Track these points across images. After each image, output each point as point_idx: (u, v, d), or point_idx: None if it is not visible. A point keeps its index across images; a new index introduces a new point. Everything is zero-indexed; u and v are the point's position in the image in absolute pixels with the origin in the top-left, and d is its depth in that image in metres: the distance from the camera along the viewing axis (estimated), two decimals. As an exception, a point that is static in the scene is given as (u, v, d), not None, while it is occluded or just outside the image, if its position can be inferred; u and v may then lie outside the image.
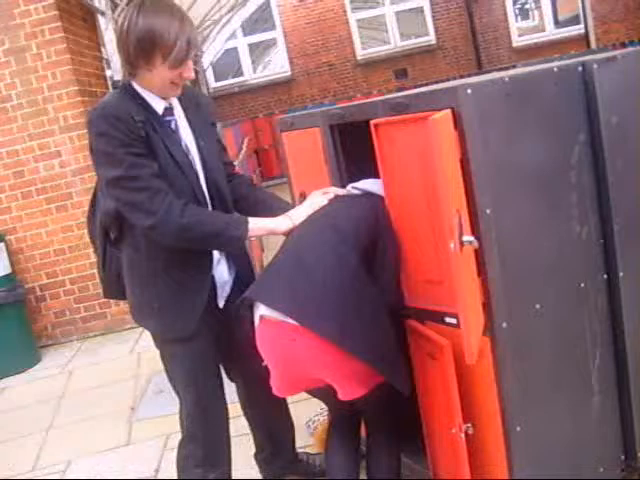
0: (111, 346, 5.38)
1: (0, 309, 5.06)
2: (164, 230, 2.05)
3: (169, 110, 2.17)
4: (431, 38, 15.00)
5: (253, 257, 5.65)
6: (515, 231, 1.91)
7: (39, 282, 5.63)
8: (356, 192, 2.24)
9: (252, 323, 2.04)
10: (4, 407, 4.62)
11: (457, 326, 1.98)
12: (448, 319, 2.02)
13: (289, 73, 14.96)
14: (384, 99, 2.07)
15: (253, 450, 2.78)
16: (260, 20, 15.13)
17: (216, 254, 2.27)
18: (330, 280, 1.92)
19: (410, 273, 2.09)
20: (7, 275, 5.14)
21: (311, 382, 2.07)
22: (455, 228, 1.60)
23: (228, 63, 15.12)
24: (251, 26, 15.10)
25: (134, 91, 2.12)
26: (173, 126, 2.17)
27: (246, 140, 9.40)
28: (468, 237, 1.64)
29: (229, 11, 13.17)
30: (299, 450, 2.87)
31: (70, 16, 5.57)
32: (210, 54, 14.84)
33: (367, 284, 1.98)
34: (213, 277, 2.27)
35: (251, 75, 15.11)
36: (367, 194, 2.21)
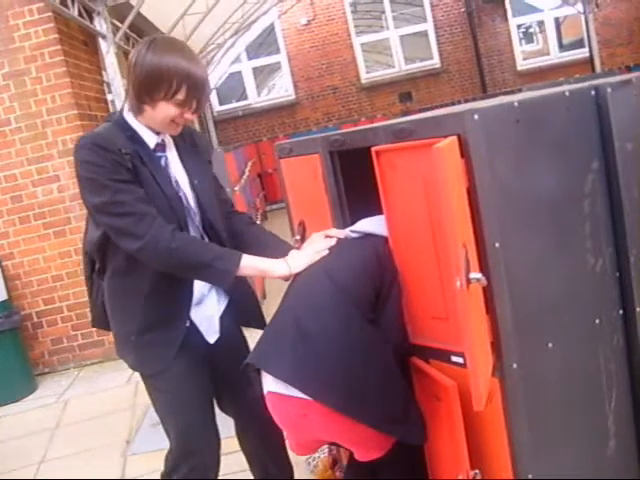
0: (108, 374, 5.25)
1: (-4, 336, 4.95)
2: (152, 253, 1.98)
3: (161, 146, 2.14)
4: (436, 62, 14.98)
5: (254, 284, 5.54)
6: (525, 265, 1.79)
7: (36, 308, 5.52)
8: (355, 235, 2.13)
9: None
10: (-2, 438, 4.50)
11: (464, 366, 1.86)
12: (454, 358, 1.90)
13: (293, 97, 14.94)
14: (386, 125, 1.96)
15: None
16: (264, 44, 15.15)
17: (201, 290, 2.21)
18: (335, 348, 1.82)
19: (415, 309, 1.97)
20: (3, 301, 5.04)
21: (327, 442, 2.06)
22: (462, 264, 1.49)
23: (232, 87, 15.12)
24: (255, 50, 15.11)
25: (126, 124, 2.09)
26: (163, 162, 2.14)
27: (249, 164, 9.34)
28: (475, 274, 1.53)
29: (233, 35, 13.18)
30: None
31: (70, 39, 5.52)
32: (214, 78, 14.84)
33: (373, 339, 1.88)
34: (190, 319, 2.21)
35: (255, 99, 15.09)
36: (367, 236, 2.10)
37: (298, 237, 2.50)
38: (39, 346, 5.59)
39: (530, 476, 1.82)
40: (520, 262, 1.77)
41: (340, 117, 14.70)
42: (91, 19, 5.89)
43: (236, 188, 5.75)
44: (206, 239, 2.20)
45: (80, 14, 5.57)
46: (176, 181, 2.15)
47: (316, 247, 2.12)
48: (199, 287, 2.20)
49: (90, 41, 6.05)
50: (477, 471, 1.88)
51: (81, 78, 5.64)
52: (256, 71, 15.18)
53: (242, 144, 11.98)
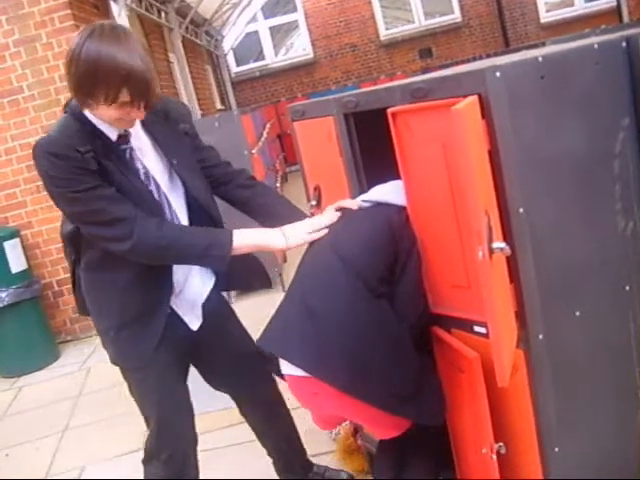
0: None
1: (17, 306, 4.95)
2: (142, 252, 1.92)
3: (124, 137, 1.97)
4: (456, 16, 14.59)
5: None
6: (552, 231, 1.69)
7: (56, 277, 5.51)
8: (367, 205, 2.03)
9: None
10: (22, 407, 4.52)
11: (487, 336, 1.78)
12: (477, 328, 1.82)
13: (311, 56, 14.69)
14: (402, 84, 1.85)
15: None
16: (281, 2, 14.86)
17: (183, 276, 2.15)
18: (339, 327, 1.76)
19: (435, 278, 1.88)
20: (23, 271, 5.03)
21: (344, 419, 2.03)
22: (484, 233, 1.39)
23: (249, 47, 14.90)
24: (272, 9, 14.83)
25: (84, 117, 1.91)
26: (128, 155, 1.98)
27: (268, 125, 9.21)
28: (499, 244, 1.44)
29: (249, -7, 12.97)
30: (322, 455, 2.76)
31: (80, 3, 5.41)
32: (230, 38, 14.65)
33: (381, 316, 1.80)
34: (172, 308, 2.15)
35: (273, 59, 14.86)
36: (380, 205, 2.00)
37: (314, 202, 2.42)
38: (60, 314, 5.59)
39: (556, 449, 1.75)
40: (546, 228, 1.68)
41: (359, 75, 14.44)
42: (101, -20, 5.78)
43: (254, 151, 5.65)
44: (186, 222, 2.11)
45: (89, -25, 5.45)
46: (145, 172, 2.01)
47: (315, 222, 2.03)
48: (180, 274, 2.13)
49: (101, 4, 5.93)
50: (501, 444, 1.81)
51: (93, 42, 5.53)
52: (273, 30, 14.92)
53: (260, 105, 11.82)
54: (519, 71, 1.61)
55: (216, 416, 3.45)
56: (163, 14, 8.65)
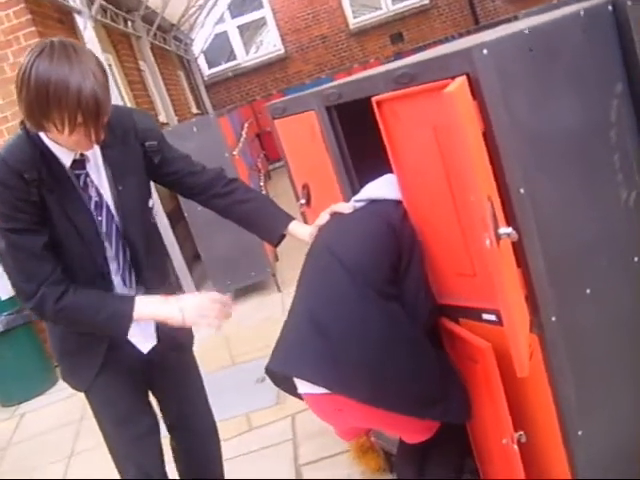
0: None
1: (10, 333, 4.85)
2: (40, 315, 1.89)
3: (79, 162, 1.86)
4: (424, -2, 14.52)
5: (269, 260, 5.42)
6: (554, 209, 1.63)
7: (47, 300, 5.39)
8: (360, 204, 1.96)
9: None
10: (25, 435, 4.43)
11: (497, 323, 1.73)
12: (486, 316, 1.76)
13: (282, 51, 14.58)
14: (385, 71, 1.78)
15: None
16: (247, 0, 14.72)
17: None
18: (353, 338, 1.69)
19: (439, 268, 1.82)
20: (12, 297, 4.92)
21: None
22: (489, 220, 1.33)
23: (219, 48, 14.75)
24: (238, 7, 14.69)
25: (39, 139, 1.80)
26: (82, 181, 1.87)
27: (246, 125, 9.11)
28: (505, 229, 1.37)
29: (214, -6, 12.84)
30: (336, 456, 2.74)
31: (44, 19, 5.29)
32: (200, 41, 14.51)
33: (394, 319, 1.73)
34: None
35: (244, 58, 14.74)
36: (374, 203, 1.93)
37: (303, 201, 2.36)
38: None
39: (580, 433, 1.70)
40: (549, 206, 1.61)
41: (332, 66, 14.35)
42: (63, -6, 5.65)
43: (235, 152, 5.57)
44: (120, 260, 2.00)
45: (51, -10, 5.33)
46: (97, 201, 1.90)
47: (211, 296, 1.93)
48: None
49: (66, 18, 5.81)
50: (521, 433, 1.76)
51: (61, 58, 5.42)
52: (242, 29, 14.78)
53: (236, 105, 11.70)
54: (506, 46, 1.54)
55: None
56: (129, 23, 8.51)
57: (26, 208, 1.78)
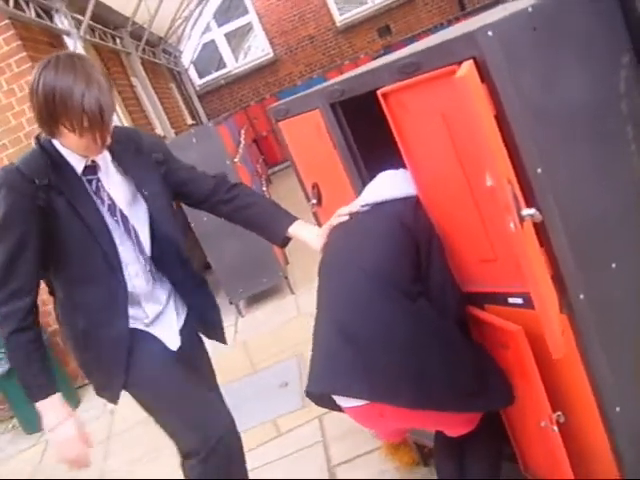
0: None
1: (28, 359, 4.85)
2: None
3: (91, 168, 1.98)
4: (408, -12, 14.48)
5: (274, 248, 5.41)
6: (572, 186, 1.61)
7: (62, 323, 5.40)
8: (367, 208, 1.95)
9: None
10: (53, 459, 4.41)
11: (523, 306, 1.71)
12: (512, 299, 1.75)
13: (272, 55, 14.57)
14: (388, 63, 1.77)
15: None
16: (232, 7, 14.70)
17: (157, 308, 2.16)
18: (385, 344, 1.67)
19: (460, 256, 1.81)
20: (28, 323, 4.93)
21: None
22: (511, 202, 1.31)
23: (209, 57, 14.75)
24: (223, 15, 14.67)
25: (52, 147, 1.94)
26: (94, 186, 1.99)
27: (243, 131, 9.10)
28: (528, 210, 1.36)
29: (198, 5, 12.83)
30: (367, 454, 2.75)
31: (35, 43, 5.29)
32: (189, 52, 14.52)
33: (424, 317, 1.72)
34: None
35: (234, 65, 14.73)
36: (382, 205, 1.91)
37: (315, 201, 2.35)
38: (74, 359, 5.47)
39: (617, 409, 1.68)
40: (566, 184, 1.60)
41: (323, 65, 14.33)
42: (51, 18, 5.66)
43: (236, 159, 5.55)
44: (140, 261, 2.09)
45: (38, 15, 5.33)
46: (110, 204, 2.01)
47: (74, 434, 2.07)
48: (153, 306, 2.15)
49: (55, 41, 5.81)
50: (559, 413, 1.74)
51: (54, 81, 5.42)
52: (229, 36, 14.77)
53: (231, 113, 11.70)
54: (511, 26, 1.52)
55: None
56: (118, 40, 8.52)
57: (27, 217, 1.88)
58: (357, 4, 14.67)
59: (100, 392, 2.19)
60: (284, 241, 2.23)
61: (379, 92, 1.75)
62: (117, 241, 2.01)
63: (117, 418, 4.59)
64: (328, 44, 14.49)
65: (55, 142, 1.94)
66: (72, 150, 1.93)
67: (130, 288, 2.05)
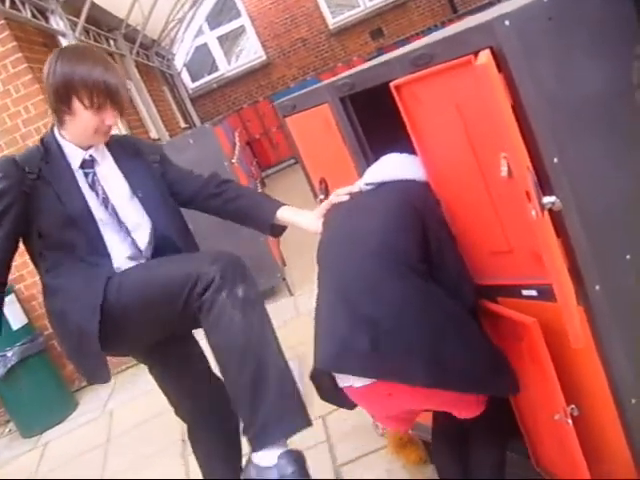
0: (146, 376, 5.05)
1: (25, 362, 4.80)
2: None
3: (89, 162, 2.08)
4: (400, -9, 14.51)
5: (272, 249, 5.39)
6: (588, 176, 1.60)
7: (59, 325, 5.35)
8: (370, 187, 1.93)
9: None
10: (52, 464, 4.38)
11: (538, 298, 1.70)
12: (526, 292, 1.74)
13: (264, 57, 14.56)
14: (400, 55, 1.76)
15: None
16: (224, 10, 14.70)
17: None
18: (406, 324, 1.65)
19: (474, 249, 1.80)
20: (24, 326, 4.88)
21: (421, 411, 1.95)
22: (532, 190, 1.30)
23: (201, 60, 14.73)
24: (216, 18, 14.67)
25: (54, 141, 2.06)
26: (90, 179, 2.07)
27: (236, 134, 9.08)
28: (549, 198, 1.35)
29: (191, 7, 12.82)
30: (373, 453, 2.74)
31: (30, 44, 5.27)
32: (181, 55, 14.49)
33: (441, 299, 1.71)
34: None
35: (227, 68, 14.72)
36: (387, 184, 1.90)
37: (322, 196, 2.33)
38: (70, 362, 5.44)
39: (633, 401, 1.67)
40: (582, 174, 1.59)
41: (315, 68, 14.33)
42: (46, 19, 5.63)
43: (233, 160, 5.53)
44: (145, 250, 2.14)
45: (34, 15, 5.31)
46: (104, 198, 2.06)
47: None
48: None
49: (50, 42, 5.79)
50: (573, 406, 1.73)
51: (50, 82, 5.40)
52: (221, 39, 14.77)
53: (224, 116, 11.69)
54: (527, 16, 1.51)
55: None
56: (112, 42, 8.50)
57: (9, 200, 1.95)
58: (349, 7, 14.70)
59: (89, 377, 2.18)
60: (274, 229, 2.26)
61: (392, 84, 1.74)
62: (105, 232, 2.05)
63: (116, 421, 4.56)
64: (321, 47, 14.50)
65: (57, 135, 2.05)
66: (76, 141, 2.04)
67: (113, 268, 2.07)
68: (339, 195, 2.03)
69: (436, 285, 1.73)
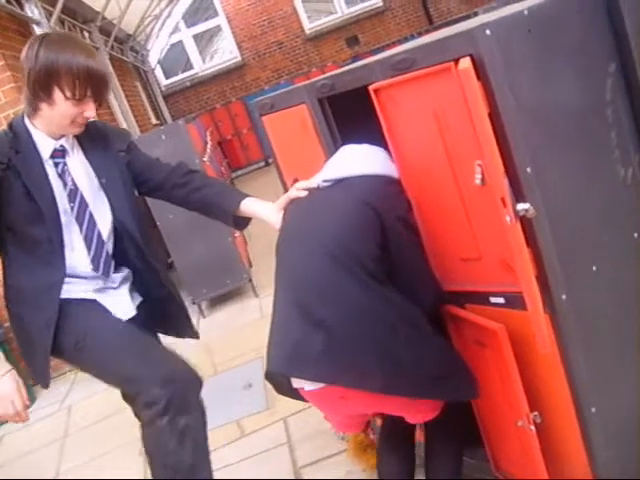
0: (107, 372, 5.05)
1: (-18, 353, 4.71)
2: None
3: (59, 152, 2.03)
4: (377, 1, 14.60)
5: (239, 250, 5.38)
6: (559, 187, 1.64)
7: (19, 318, 5.25)
8: (328, 184, 1.90)
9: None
10: (7, 457, 4.29)
11: (505, 305, 1.73)
12: (494, 299, 1.76)
13: (239, 58, 14.52)
14: (382, 58, 1.77)
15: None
16: (201, 9, 14.62)
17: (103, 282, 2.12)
18: (359, 328, 1.65)
19: (442, 255, 1.82)
20: (-17, 317, 4.80)
21: (373, 415, 1.98)
22: (507, 196, 1.33)
23: (176, 58, 14.61)
24: (193, 16, 14.58)
25: (24, 129, 1.99)
26: (60, 169, 2.03)
27: (208, 133, 9.04)
28: (523, 205, 1.37)
29: (168, 4, 12.73)
30: (334, 456, 2.70)
31: (3, 30, 5.18)
32: (156, 52, 14.37)
33: (397, 302, 1.70)
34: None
35: (201, 67, 14.63)
36: (346, 181, 1.86)
37: (294, 196, 2.33)
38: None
39: (593, 410, 1.71)
40: (554, 185, 1.62)
41: (290, 72, 14.33)
42: (21, 6, 5.54)
43: (205, 159, 5.50)
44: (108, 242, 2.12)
45: (8, 1, 5.21)
46: (72, 189, 2.03)
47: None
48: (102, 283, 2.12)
49: (25, 29, 5.70)
50: (536, 413, 1.76)
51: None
52: (197, 38, 14.67)
53: (196, 115, 11.62)
54: (508, 27, 1.54)
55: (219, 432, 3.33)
56: (87, 34, 8.40)
57: None
58: (327, 13, 14.74)
59: (35, 377, 2.19)
60: (238, 221, 2.25)
61: (371, 88, 1.75)
62: (64, 226, 2.02)
63: (75, 416, 4.49)
64: (296, 51, 14.51)
65: (28, 123, 1.99)
66: (48, 130, 1.98)
67: (74, 273, 2.05)
68: (298, 189, 2.01)
69: (393, 287, 1.73)
